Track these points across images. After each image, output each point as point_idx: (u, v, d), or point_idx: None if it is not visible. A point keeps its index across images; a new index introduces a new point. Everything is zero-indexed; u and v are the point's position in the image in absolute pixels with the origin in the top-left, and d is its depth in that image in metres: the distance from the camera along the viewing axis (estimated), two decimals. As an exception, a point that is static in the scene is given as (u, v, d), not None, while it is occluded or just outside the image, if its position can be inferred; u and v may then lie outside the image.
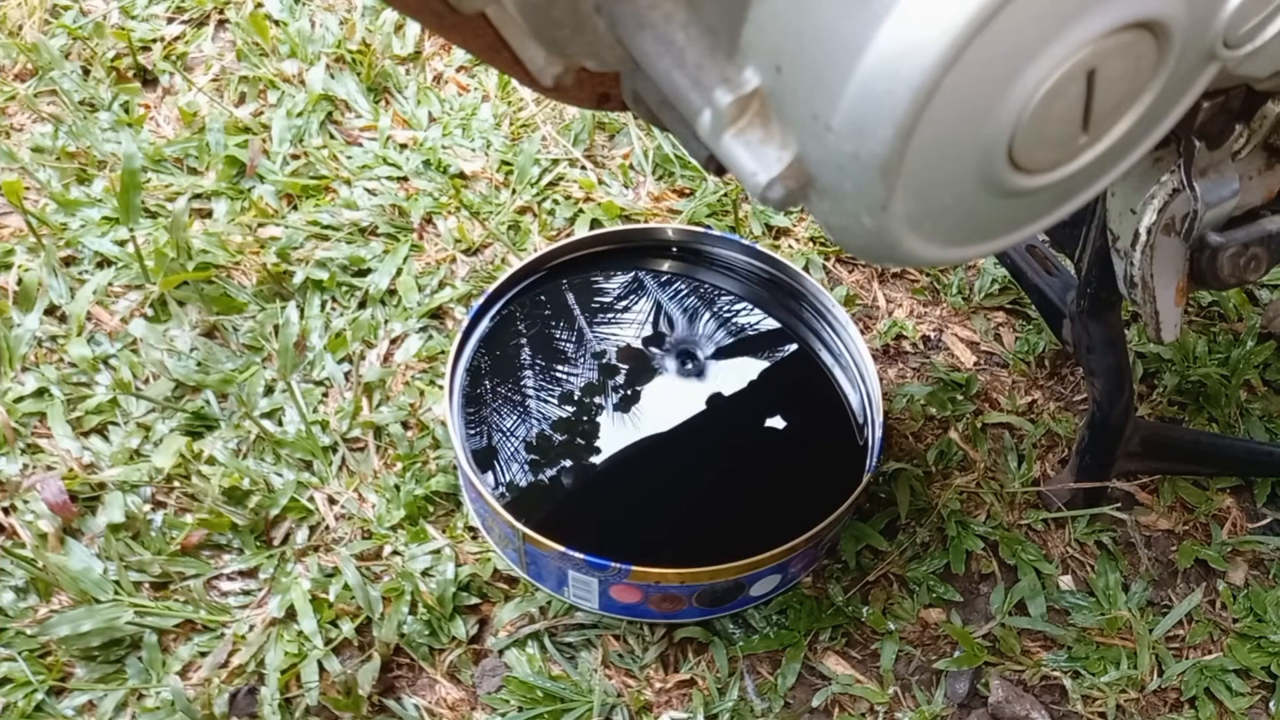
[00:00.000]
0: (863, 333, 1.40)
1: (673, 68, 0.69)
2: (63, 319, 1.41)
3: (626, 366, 1.29)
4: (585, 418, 1.25)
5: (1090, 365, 1.22)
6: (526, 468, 1.21)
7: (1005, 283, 1.51)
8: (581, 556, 1.11)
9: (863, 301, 1.50)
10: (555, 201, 1.56)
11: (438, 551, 1.26)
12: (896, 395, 1.41)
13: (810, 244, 1.54)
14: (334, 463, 1.32)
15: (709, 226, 1.51)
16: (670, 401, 1.27)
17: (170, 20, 1.73)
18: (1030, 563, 1.29)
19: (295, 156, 1.58)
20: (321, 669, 1.19)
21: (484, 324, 1.31)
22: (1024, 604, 1.27)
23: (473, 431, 1.23)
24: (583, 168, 1.60)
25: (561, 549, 1.12)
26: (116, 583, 1.22)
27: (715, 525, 1.20)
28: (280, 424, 1.34)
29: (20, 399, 1.34)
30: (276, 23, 1.73)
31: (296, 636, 1.20)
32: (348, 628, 1.21)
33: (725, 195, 1.55)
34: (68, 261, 1.46)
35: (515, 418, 1.25)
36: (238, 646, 1.20)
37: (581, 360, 1.29)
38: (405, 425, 1.35)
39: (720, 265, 1.38)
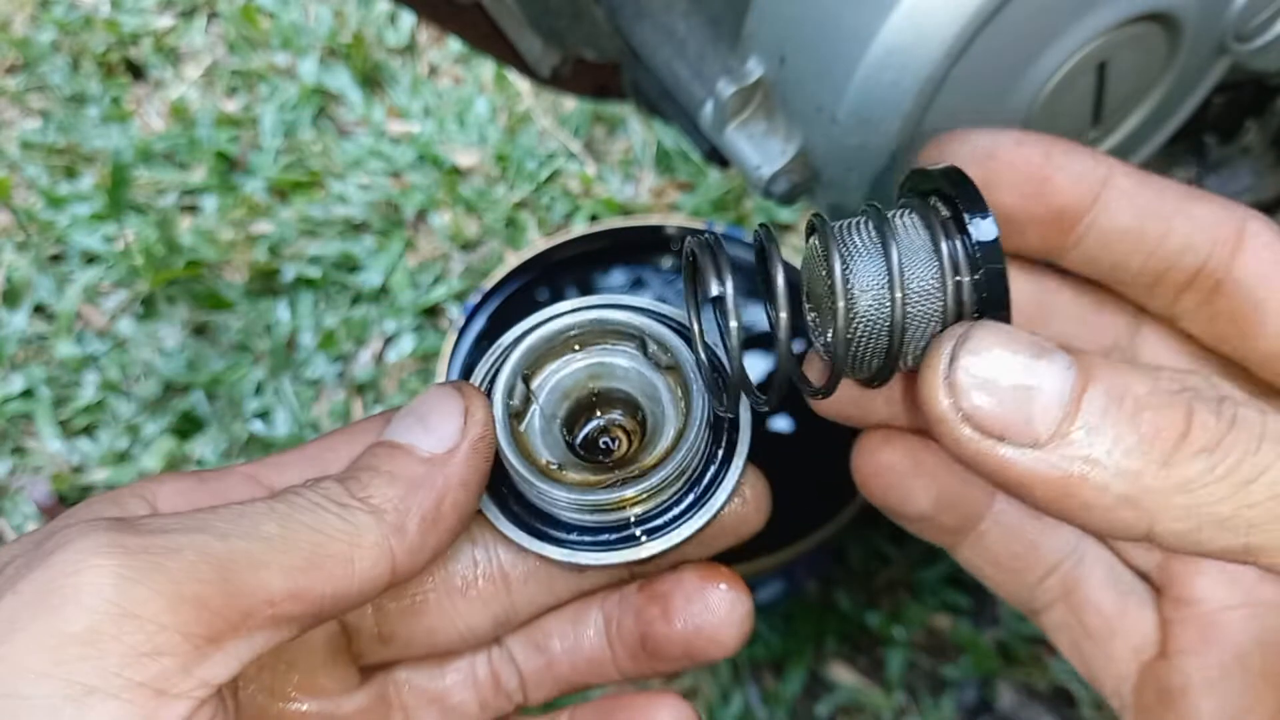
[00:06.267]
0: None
1: (674, 58, 0.68)
2: (50, 317, 1.39)
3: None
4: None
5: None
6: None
7: (1010, 279, 1.49)
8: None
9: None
10: (553, 196, 1.54)
11: (433, 554, 1.24)
12: (900, 394, 1.39)
13: (812, 240, 1.51)
14: (327, 464, 1.30)
15: (711, 222, 1.49)
16: (670, 401, 1.24)
17: (160, 13, 1.71)
18: (1037, 565, 1.27)
19: (286, 151, 1.56)
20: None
21: (480, 322, 1.29)
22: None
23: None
24: (581, 161, 1.58)
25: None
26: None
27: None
28: (270, 425, 1.32)
29: (8, 399, 1.32)
30: (268, 15, 1.70)
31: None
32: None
33: (729, 190, 1.53)
34: (55, 259, 1.44)
35: (511, 418, 1.22)
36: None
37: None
38: (400, 425, 1.33)
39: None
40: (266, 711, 0.50)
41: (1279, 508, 0.39)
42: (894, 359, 0.44)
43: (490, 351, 0.53)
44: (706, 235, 0.47)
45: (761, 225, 0.46)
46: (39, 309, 1.40)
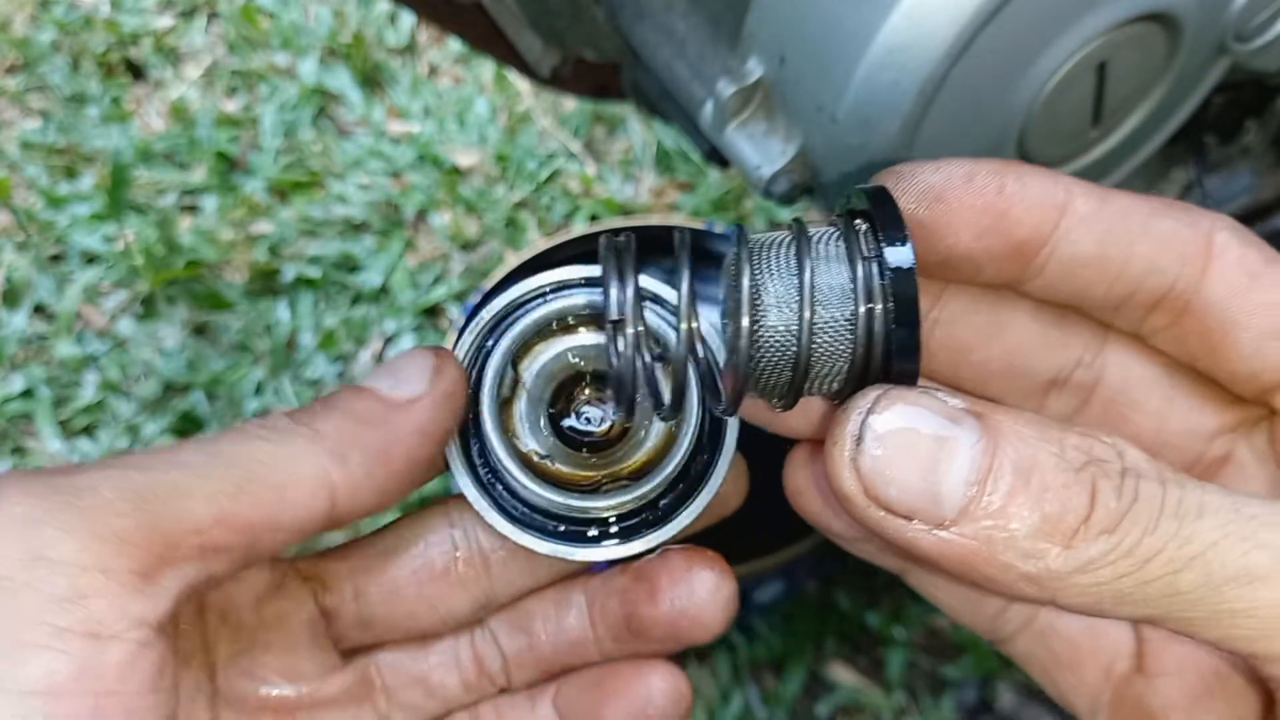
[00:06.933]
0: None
1: (674, 58, 0.68)
2: (50, 317, 1.39)
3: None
4: (583, 418, 1.23)
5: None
6: (523, 469, 1.19)
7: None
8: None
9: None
10: (553, 196, 1.54)
11: (433, 554, 1.24)
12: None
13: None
14: (327, 464, 1.30)
15: (711, 222, 1.49)
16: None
17: (160, 13, 1.71)
18: (1037, 565, 1.27)
19: (286, 151, 1.56)
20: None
21: (480, 322, 1.29)
22: (1032, 607, 1.25)
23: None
24: (581, 161, 1.58)
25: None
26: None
27: (717, 530, 1.18)
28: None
29: (8, 399, 1.32)
30: (268, 15, 1.70)
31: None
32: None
33: (729, 190, 1.53)
34: (55, 259, 1.44)
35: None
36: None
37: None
38: (400, 425, 1.33)
39: (723, 262, 1.35)
40: (247, 697, 0.50)
41: (1175, 583, 0.39)
42: (799, 384, 0.43)
43: (470, 326, 0.50)
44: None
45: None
46: (39, 309, 1.40)
